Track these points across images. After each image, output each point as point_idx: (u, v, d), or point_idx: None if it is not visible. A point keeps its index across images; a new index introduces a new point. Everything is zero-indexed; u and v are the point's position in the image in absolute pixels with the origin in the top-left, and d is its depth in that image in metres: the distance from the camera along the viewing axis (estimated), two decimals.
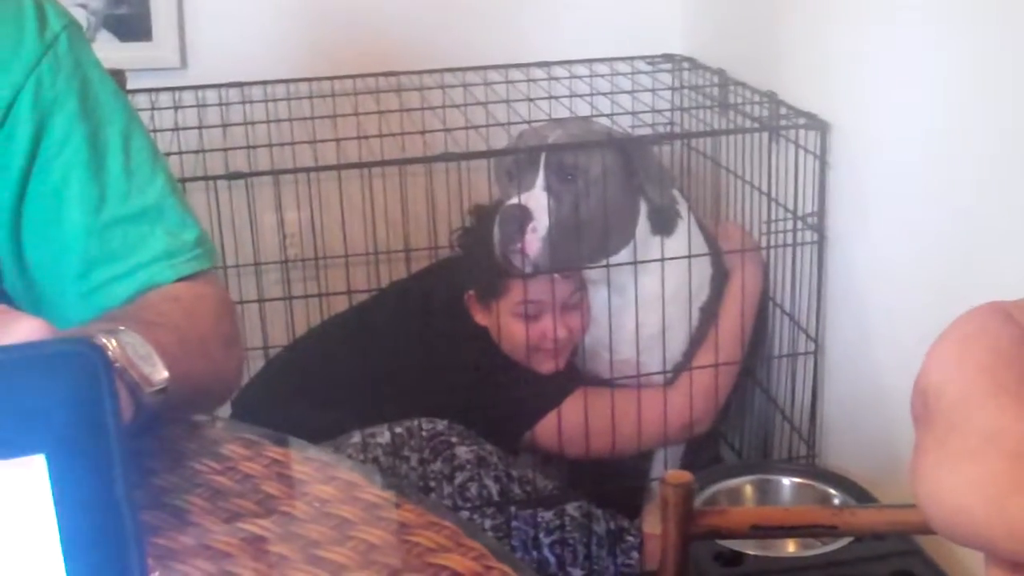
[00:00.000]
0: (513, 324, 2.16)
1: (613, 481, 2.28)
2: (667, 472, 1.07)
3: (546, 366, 2.20)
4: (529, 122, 2.32)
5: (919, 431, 0.61)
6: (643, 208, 2.14)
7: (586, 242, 2.07)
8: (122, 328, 0.91)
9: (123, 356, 0.88)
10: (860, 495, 1.89)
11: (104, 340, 0.89)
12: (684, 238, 2.16)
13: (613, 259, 2.12)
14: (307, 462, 0.92)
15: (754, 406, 2.47)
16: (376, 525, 0.84)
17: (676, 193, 2.22)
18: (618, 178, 2.09)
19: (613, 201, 2.08)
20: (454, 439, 2.06)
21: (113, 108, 1.14)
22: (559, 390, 2.19)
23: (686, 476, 1.06)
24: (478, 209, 2.24)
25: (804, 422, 2.26)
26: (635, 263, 2.12)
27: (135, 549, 0.34)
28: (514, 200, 2.04)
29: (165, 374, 0.91)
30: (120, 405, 0.35)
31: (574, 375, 2.25)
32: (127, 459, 0.34)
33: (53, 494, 0.34)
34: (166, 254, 1.12)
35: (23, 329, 0.76)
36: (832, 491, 1.92)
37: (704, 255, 2.21)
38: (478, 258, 2.16)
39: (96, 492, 0.34)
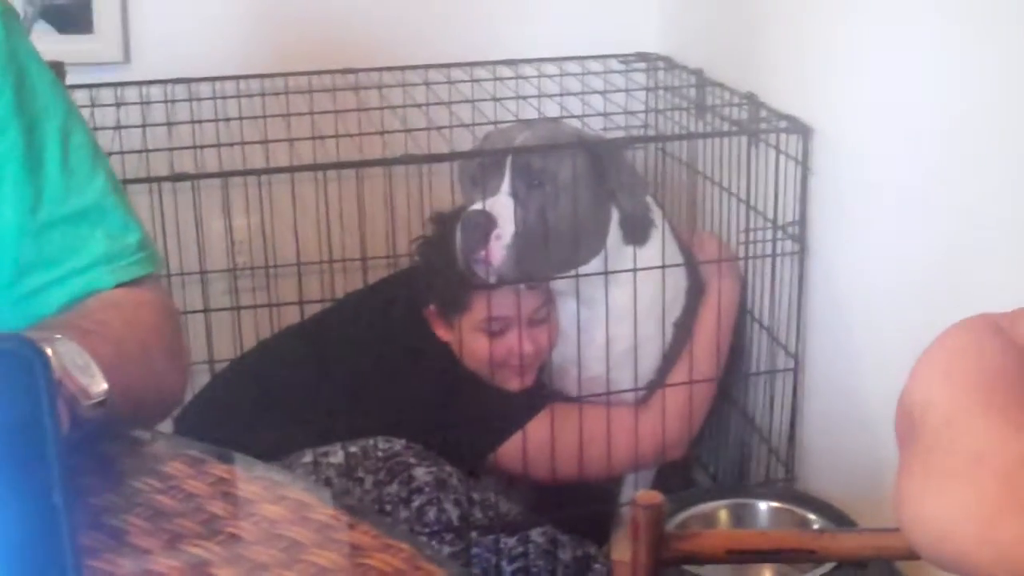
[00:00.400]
0: (477, 340, 2.17)
1: (580, 505, 2.28)
2: (637, 493, 1.08)
3: (512, 383, 2.20)
4: (495, 123, 2.33)
5: (903, 451, 0.62)
6: (615, 216, 2.14)
7: (554, 251, 2.06)
8: (58, 336, 0.91)
9: (59, 366, 0.88)
10: (840, 520, 1.90)
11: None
12: (658, 248, 2.16)
13: (583, 270, 2.12)
14: (255, 481, 0.93)
15: (730, 426, 2.48)
16: (328, 547, 0.84)
17: (650, 200, 2.22)
18: (588, 184, 2.08)
19: (583, 208, 2.07)
20: (412, 460, 2.05)
21: (51, 101, 1.14)
22: (525, 409, 2.19)
23: (657, 497, 1.06)
24: (438, 217, 2.24)
25: (782, 443, 2.27)
26: (606, 273, 2.12)
27: (71, 556, 0.35)
28: (478, 206, 2.04)
29: (104, 386, 0.91)
30: (59, 408, 0.35)
31: (542, 393, 2.26)
32: (65, 464, 0.35)
33: None
34: (106, 258, 1.11)
35: None
36: (811, 516, 1.93)
37: (679, 266, 2.21)
38: (439, 270, 2.16)
39: (31, 497, 0.35)
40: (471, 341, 2.16)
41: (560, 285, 2.14)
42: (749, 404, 2.39)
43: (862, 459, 2.06)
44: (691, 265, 2.28)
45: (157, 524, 0.87)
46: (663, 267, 2.16)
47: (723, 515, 1.97)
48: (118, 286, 1.11)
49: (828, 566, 1.75)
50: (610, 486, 2.37)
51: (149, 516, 0.88)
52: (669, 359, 2.24)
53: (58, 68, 1.40)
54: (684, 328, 2.25)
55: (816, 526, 1.89)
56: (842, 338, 2.13)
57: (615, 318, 2.15)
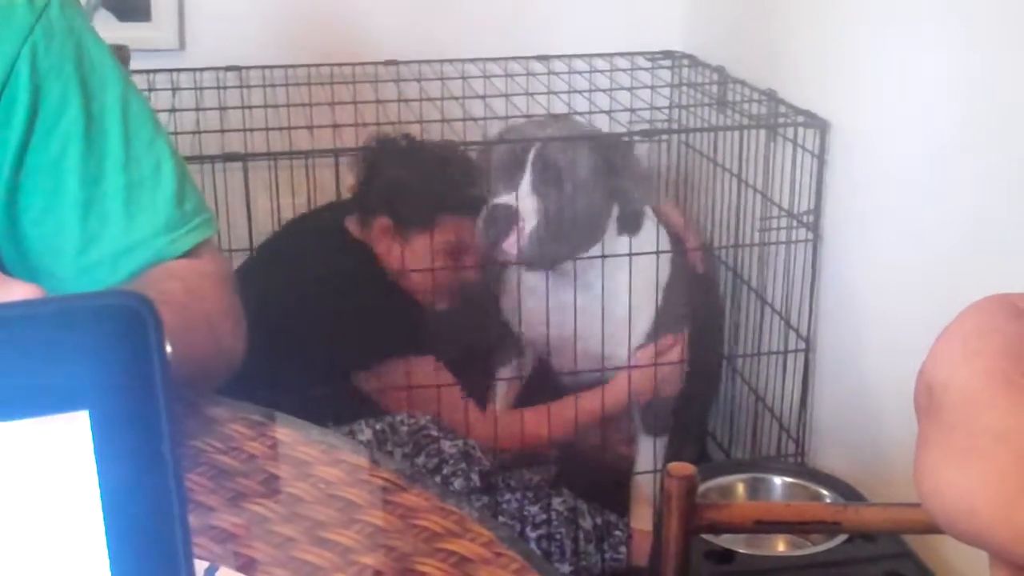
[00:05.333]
0: (436, 258, 2.18)
1: (597, 474, 2.27)
2: (671, 464, 1.06)
3: (441, 303, 2.26)
4: (528, 116, 2.31)
5: (923, 423, 0.59)
6: (615, 210, 2.15)
7: (564, 241, 2.09)
8: None
9: None
10: (850, 495, 1.88)
11: None
12: (649, 234, 2.18)
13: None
14: (312, 444, 0.91)
15: (742, 404, 2.47)
16: (383, 508, 0.83)
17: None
18: (600, 180, 2.10)
19: (593, 203, 2.10)
20: (436, 433, 2.04)
21: (109, 73, 1.11)
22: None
23: (689, 468, 1.05)
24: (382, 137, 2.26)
25: (793, 421, 2.25)
26: (602, 257, 2.14)
27: (178, 507, 0.33)
28: (501, 199, 2.04)
29: (168, 348, 0.89)
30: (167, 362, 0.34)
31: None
32: (173, 417, 0.33)
33: (95, 451, 0.33)
34: (166, 227, 1.10)
35: (16, 294, 0.75)
36: (824, 491, 1.91)
37: (668, 252, 2.21)
38: (404, 186, 2.19)
39: (140, 450, 0.33)
40: (426, 259, 2.16)
41: (562, 269, 2.15)
42: (761, 383, 2.37)
43: (869, 438, 2.04)
44: (678, 246, 2.27)
45: (220, 483, 0.86)
46: (657, 252, 2.17)
47: (740, 488, 1.95)
48: (180, 256, 1.10)
49: (840, 538, 1.74)
50: (626, 456, 2.36)
51: (212, 475, 0.87)
52: (660, 321, 2.23)
53: (123, 52, 1.39)
54: (671, 290, 2.23)
55: (828, 500, 1.87)
56: (852, 322, 2.11)
57: (611, 297, 2.16)
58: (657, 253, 2.17)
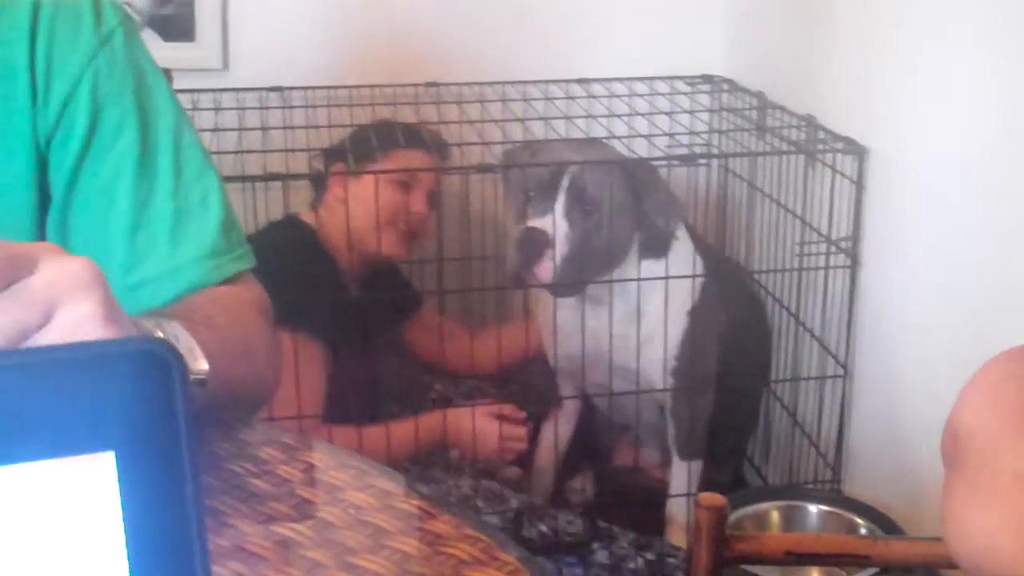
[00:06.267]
0: (384, 191, 2.22)
1: (631, 496, 2.28)
2: (701, 495, 1.06)
3: (397, 249, 2.30)
4: (547, 142, 2.32)
5: (949, 471, 0.60)
6: (637, 236, 2.16)
7: (590, 265, 2.10)
8: (168, 319, 0.91)
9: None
10: (886, 525, 1.87)
11: (148, 327, 0.89)
12: (677, 257, 2.17)
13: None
14: (343, 468, 0.92)
15: (779, 429, 2.46)
16: (411, 535, 0.83)
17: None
18: (629, 207, 2.11)
19: (621, 229, 2.11)
20: (480, 504, 2.07)
21: (165, 104, 1.15)
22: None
23: (719, 499, 1.05)
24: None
25: (830, 447, 2.24)
26: (635, 280, 2.15)
27: (200, 549, 0.34)
28: (533, 222, 2.05)
29: (206, 366, 0.91)
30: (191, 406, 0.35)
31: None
32: (197, 459, 0.34)
33: (121, 492, 0.34)
34: (211, 253, 1.12)
35: (73, 264, 0.76)
36: (859, 520, 1.90)
37: (688, 277, 2.20)
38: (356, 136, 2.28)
39: (165, 491, 0.34)
40: (378, 191, 2.19)
41: (585, 292, 2.16)
42: (799, 409, 2.36)
43: (907, 467, 2.03)
44: (709, 267, 2.26)
45: (251, 506, 0.87)
46: (690, 276, 2.17)
47: (775, 516, 1.94)
48: (222, 283, 1.11)
49: (873, 570, 1.72)
50: (660, 479, 2.36)
51: (244, 498, 0.88)
52: (688, 341, 2.23)
53: (166, 75, 1.41)
54: (698, 314, 2.23)
55: (863, 530, 1.86)
56: (890, 350, 2.10)
57: (629, 319, 2.17)
58: (669, 278, 2.16)
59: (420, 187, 2.31)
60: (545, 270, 2.04)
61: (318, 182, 2.33)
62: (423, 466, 2.21)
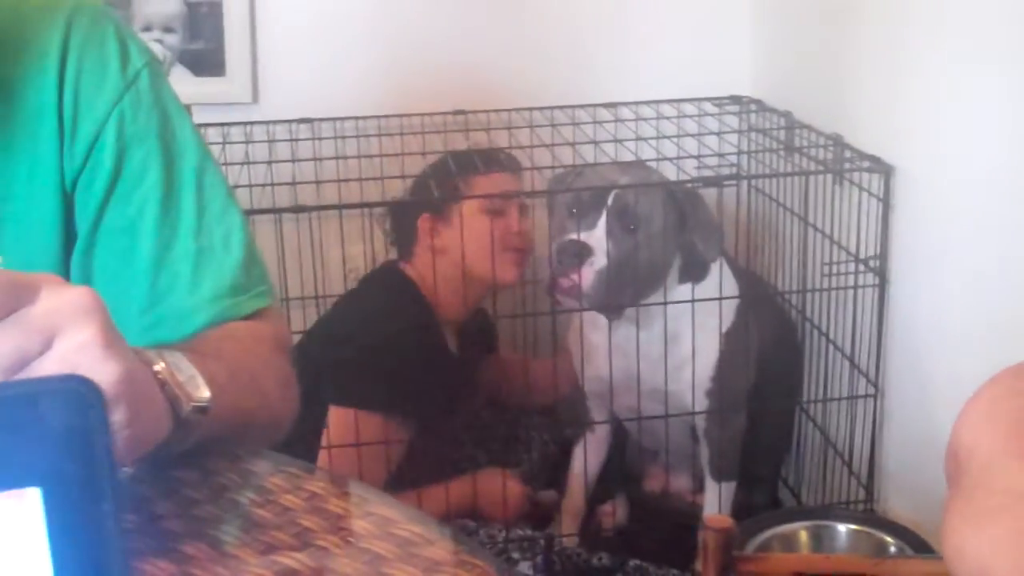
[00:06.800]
0: (478, 221, 2.21)
1: (663, 522, 2.27)
2: (707, 516, 1.06)
3: (509, 274, 2.27)
4: (593, 165, 2.33)
5: (950, 489, 0.61)
6: (678, 259, 2.16)
7: (630, 285, 2.10)
8: (170, 350, 0.93)
9: (168, 373, 0.90)
10: (918, 545, 1.86)
11: (150, 356, 0.90)
12: (714, 281, 2.18)
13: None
14: (345, 497, 0.93)
15: (812, 448, 2.45)
16: (408, 562, 0.84)
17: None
18: (671, 229, 2.11)
19: (661, 250, 2.12)
20: (516, 555, 2.07)
21: (189, 143, 1.16)
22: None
23: (727, 521, 1.05)
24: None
25: (863, 467, 2.23)
26: (674, 302, 2.16)
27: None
28: (573, 235, 2.06)
29: (207, 394, 0.92)
30: (113, 439, 0.36)
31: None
32: (120, 494, 0.35)
33: (48, 526, 0.35)
34: (231, 291, 1.13)
35: (72, 293, 0.78)
36: (889, 539, 1.88)
37: (732, 298, 2.22)
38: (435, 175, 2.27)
39: (90, 525, 0.35)
40: (473, 224, 2.18)
41: (625, 313, 2.16)
42: (831, 428, 2.35)
43: (940, 485, 2.00)
44: (746, 291, 2.27)
45: (253, 535, 0.88)
46: (720, 299, 2.18)
47: (803, 536, 1.93)
48: (241, 319, 1.13)
49: None
50: (693, 503, 2.35)
51: (246, 528, 0.89)
52: (724, 363, 2.22)
53: (188, 111, 1.44)
54: (734, 337, 2.23)
55: (892, 549, 1.85)
56: (921, 368, 2.08)
57: (671, 342, 2.17)
58: (720, 299, 2.16)
59: (511, 208, 2.31)
60: (584, 280, 2.05)
61: (401, 233, 2.33)
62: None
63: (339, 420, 2.08)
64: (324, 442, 2.07)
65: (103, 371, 0.79)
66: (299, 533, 0.88)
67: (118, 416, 0.80)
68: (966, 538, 0.57)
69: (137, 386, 0.83)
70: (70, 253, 1.12)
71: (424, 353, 2.17)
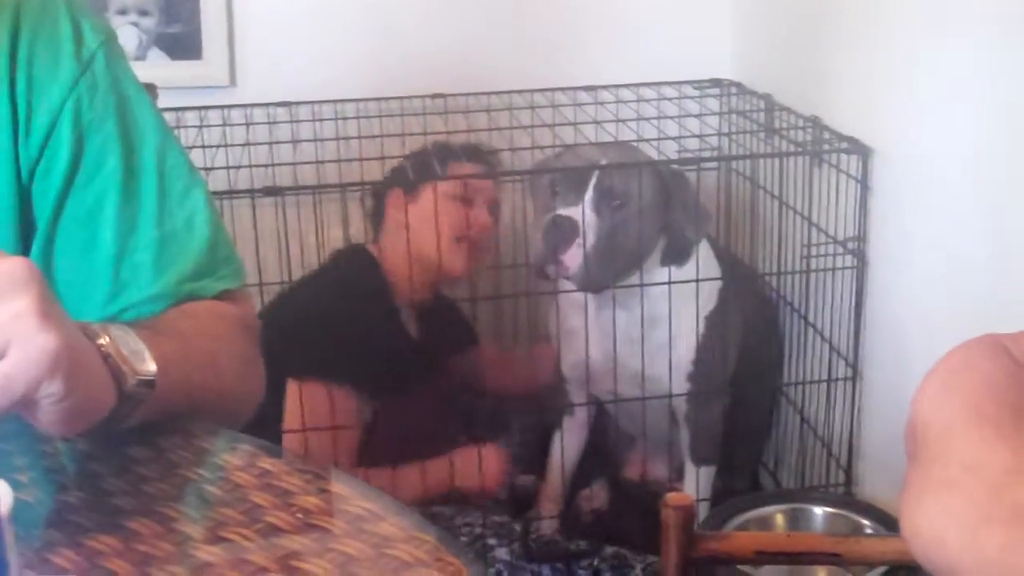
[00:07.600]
0: (446, 207, 2.20)
1: (645, 504, 2.26)
2: (668, 494, 1.06)
3: (458, 265, 2.25)
4: (576, 146, 2.31)
5: (909, 466, 0.60)
6: (661, 241, 2.15)
7: (614, 264, 2.08)
8: (117, 325, 0.92)
9: (113, 347, 0.89)
10: (892, 526, 1.85)
11: (95, 330, 0.89)
12: (695, 266, 2.16)
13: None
14: (298, 474, 0.92)
15: (792, 432, 2.44)
16: (357, 538, 0.83)
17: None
18: (656, 209, 2.09)
19: (646, 230, 2.09)
20: (492, 541, 2.08)
21: (149, 126, 1.13)
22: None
23: (687, 499, 1.04)
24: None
25: (842, 449, 2.22)
26: (657, 284, 2.14)
27: None
28: (563, 212, 2.04)
29: (152, 367, 0.91)
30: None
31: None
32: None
33: None
34: (194, 275, 1.11)
35: (7, 264, 0.78)
36: (865, 522, 1.88)
37: (712, 279, 2.20)
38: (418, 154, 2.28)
39: None
40: (436, 207, 2.16)
41: (605, 294, 2.15)
42: (810, 412, 2.34)
43: None
44: (727, 272, 2.25)
45: (202, 512, 0.87)
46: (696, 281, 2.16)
47: (780, 519, 1.93)
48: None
49: (881, 568, 1.71)
50: (672, 487, 2.34)
51: (196, 504, 0.89)
52: (705, 346, 2.21)
53: (150, 90, 1.40)
54: (716, 319, 2.22)
55: (868, 530, 1.84)
56: (899, 350, 2.08)
57: (649, 322, 2.16)
58: (697, 281, 2.15)
59: (481, 200, 2.29)
60: (573, 258, 2.03)
61: (375, 215, 2.33)
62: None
63: (295, 393, 2.08)
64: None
65: (38, 341, 0.78)
66: (249, 510, 0.87)
67: (54, 388, 0.79)
68: (921, 512, 0.56)
69: (77, 356, 0.82)
70: (28, 245, 1.09)
71: (377, 331, 2.16)
